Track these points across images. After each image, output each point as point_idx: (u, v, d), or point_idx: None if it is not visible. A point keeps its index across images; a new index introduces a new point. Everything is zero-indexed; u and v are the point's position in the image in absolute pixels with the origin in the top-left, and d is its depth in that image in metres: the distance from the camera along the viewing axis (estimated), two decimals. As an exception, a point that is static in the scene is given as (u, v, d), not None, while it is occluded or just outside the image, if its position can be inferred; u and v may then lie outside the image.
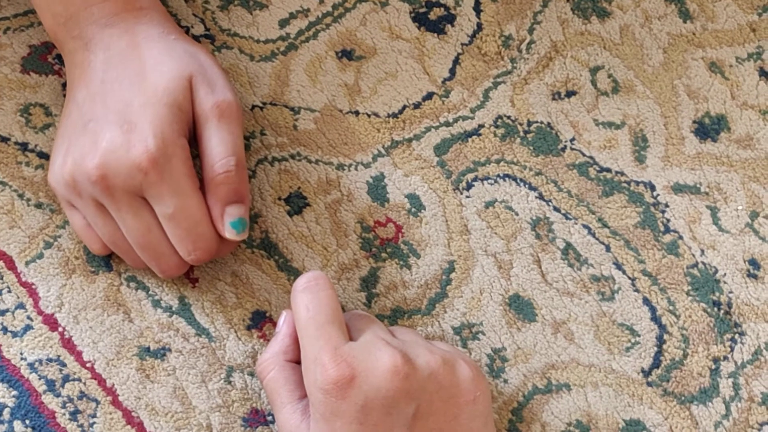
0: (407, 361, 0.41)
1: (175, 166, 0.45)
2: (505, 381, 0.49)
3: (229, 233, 0.46)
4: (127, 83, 0.46)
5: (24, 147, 0.51)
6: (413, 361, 0.41)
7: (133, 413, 0.48)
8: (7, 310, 0.49)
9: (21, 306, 0.49)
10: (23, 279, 0.49)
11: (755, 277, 0.51)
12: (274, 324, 0.49)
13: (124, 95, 0.46)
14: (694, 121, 0.53)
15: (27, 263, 0.49)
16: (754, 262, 0.51)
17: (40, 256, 0.50)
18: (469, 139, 0.53)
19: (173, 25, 0.50)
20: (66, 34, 0.48)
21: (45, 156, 0.51)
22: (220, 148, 0.46)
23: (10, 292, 0.49)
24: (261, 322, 0.49)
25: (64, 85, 0.52)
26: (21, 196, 0.50)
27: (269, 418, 0.48)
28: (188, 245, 0.46)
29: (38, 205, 0.50)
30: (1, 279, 0.49)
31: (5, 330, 0.49)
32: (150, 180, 0.44)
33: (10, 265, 0.50)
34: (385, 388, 0.40)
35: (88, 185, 0.45)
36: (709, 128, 0.53)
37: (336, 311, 0.42)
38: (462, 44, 0.54)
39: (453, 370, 0.43)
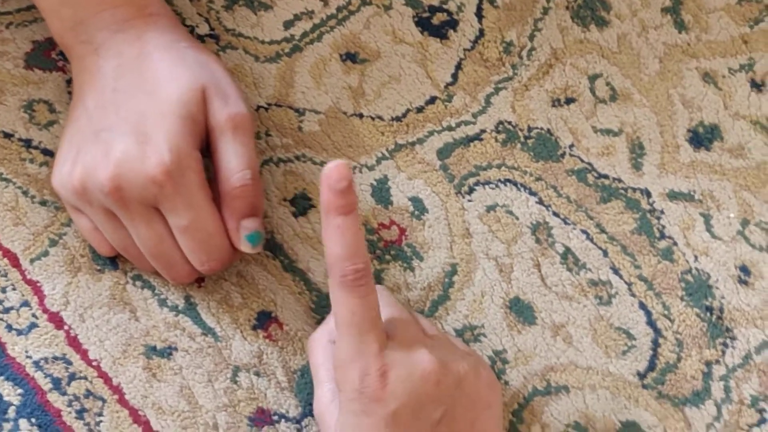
0: (442, 368, 0.42)
1: (190, 179, 0.45)
2: (506, 383, 0.50)
3: (245, 247, 0.47)
4: (140, 93, 0.46)
5: (28, 143, 0.51)
6: (446, 367, 0.42)
7: (139, 412, 0.48)
8: (12, 308, 0.49)
9: (26, 304, 0.49)
10: (28, 276, 0.49)
11: (746, 283, 0.52)
12: (280, 324, 0.50)
13: (138, 106, 0.45)
14: (689, 130, 0.55)
15: (32, 261, 0.49)
16: (744, 269, 0.53)
17: (45, 253, 0.49)
18: (471, 144, 0.54)
19: (183, 32, 0.50)
20: (74, 39, 0.48)
21: (49, 153, 0.51)
22: (235, 161, 0.46)
23: (14, 289, 0.49)
24: (266, 322, 0.50)
25: (68, 82, 0.52)
26: (25, 193, 0.50)
27: (275, 417, 0.49)
28: (202, 256, 0.46)
29: (43, 202, 0.50)
30: (6, 277, 0.49)
31: (10, 328, 0.48)
32: (165, 192, 0.44)
33: (15, 262, 0.49)
34: (418, 394, 0.41)
35: (100, 195, 0.45)
36: (702, 137, 0.55)
37: (378, 315, 0.42)
38: (464, 49, 0.55)
39: (477, 376, 0.44)
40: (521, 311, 0.51)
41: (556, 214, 0.53)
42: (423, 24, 0.55)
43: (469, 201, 0.53)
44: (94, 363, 0.48)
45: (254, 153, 0.47)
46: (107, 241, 0.48)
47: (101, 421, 0.47)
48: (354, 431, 0.41)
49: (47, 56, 0.52)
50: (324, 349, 0.46)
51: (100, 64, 0.47)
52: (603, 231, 0.53)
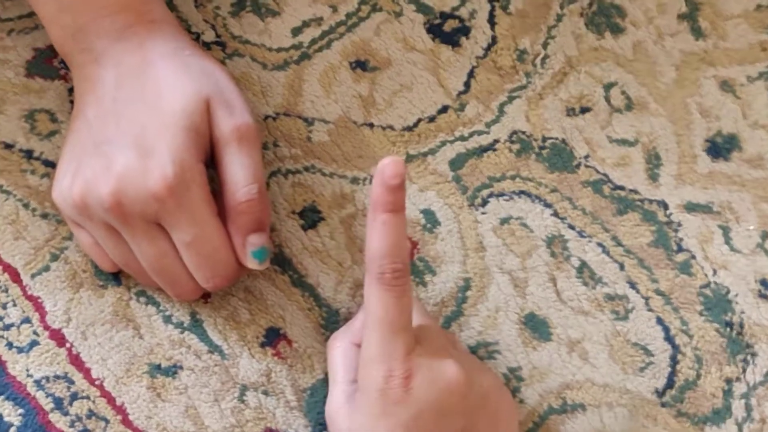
0: (467, 381, 0.41)
1: (194, 193, 0.43)
2: (521, 401, 0.49)
3: (251, 263, 0.46)
4: (141, 104, 0.44)
5: (29, 154, 0.49)
6: (472, 381, 0.42)
7: (144, 433, 0.47)
8: (12, 325, 0.47)
9: (27, 320, 0.47)
10: (29, 292, 0.48)
11: (766, 297, 0.51)
12: (289, 342, 0.48)
13: (139, 117, 0.44)
14: (707, 140, 0.53)
15: (33, 276, 0.48)
16: (765, 283, 0.51)
17: (47, 268, 0.48)
18: (485, 155, 0.52)
19: (187, 39, 0.48)
20: (74, 47, 0.46)
21: (51, 164, 0.49)
22: (241, 174, 0.44)
23: (15, 305, 0.48)
24: (275, 339, 0.48)
25: (70, 91, 0.51)
26: (26, 205, 0.49)
27: (284, 438, 0.47)
28: (207, 272, 0.45)
29: (44, 215, 0.49)
30: (6, 292, 0.48)
31: (11, 345, 0.47)
32: (167, 208, 0.43)
33: (15, 277, 0.48)
34: (441, 403, 0.40)
35: (100, 210, 0.43)
36: (721, 147, 0.53)
37: (410, 319, 0.42)
38: (477, 57, 0.54)
39: (500, 395, 0.43)
40: (536, 327, 0.50)
41: (571, 227, 0.51)
42: (434, 31, 0.54)
43: (483, 213, 0.51)
44: (97, 382, 0.47)
45: (261, 165, 0.46)
46: (109, 257, 0.47)
47: (105, 443, 0.46)
48: None
49: (49, 64, 0.51)
50: (344, 350, 0.45)
51: (101, 73, 0.46)
52: (619, 244, 0.51)
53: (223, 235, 0.45)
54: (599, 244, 0.51)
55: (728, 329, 0.50)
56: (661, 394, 0.49)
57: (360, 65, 0.53)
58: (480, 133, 0.53)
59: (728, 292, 0.51)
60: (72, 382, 0.47)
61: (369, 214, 0.40)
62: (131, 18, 0.46)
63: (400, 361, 0.40)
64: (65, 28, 0.46)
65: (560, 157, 0.53)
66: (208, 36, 0.52)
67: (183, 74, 0.45)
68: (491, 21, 0.54)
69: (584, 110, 0.54)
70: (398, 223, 0.40)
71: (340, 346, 0.46)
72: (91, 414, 0.46)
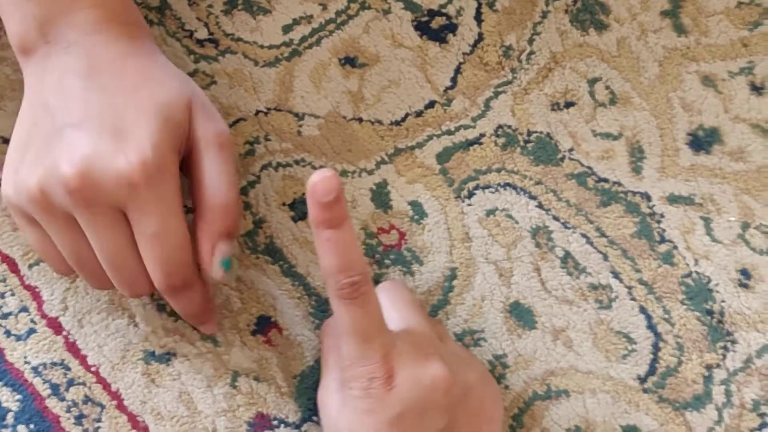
0: (451, 377, 0.41)
1: (168, 183, 0.41)
2: (507, 387, 0.50)
3: (217, 272, 0.44)
4: (117, 91, 0.42)
5: (27, 149, 0.51)
6: (455, 377, 0.42)
7: (138, 417, 0.48)
8: (10, 314, 0.49)
9: (24, 309, 0.49)
10: (26, 282, 0.49)
11: (746, 286, 0.52)
12: (279, 329, 0.50)
13: (113, 101, 0.42)
14: (689, 134, 0.55)
15: (30, 266, 0.49)
16: (745, 272, 0.53)
17: (44, 259, 0.49)
18: (471, 148, 0.54)
19: (157, 47, 0.47)
20: (39, 39, 0.43)
21: (48, 158, 0.51)
22: (222, 178, 0.44)
23: (13, 295, 0.49)
24: (266, 327, 0.50)
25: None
26: (24, 198, 0.50)
27: (275, 422, 0.48)
28: (166, 268, 0.42)
29: (41, 208, 0.50)
30: (5, 282, 0.49)
31: (9, 333, 0.48)
32: (138, 194, 0.40)
33: (14, 268, 0.49)
34: (424, 400, 0.41)
35: (61, 195, 0.40)
36: (702, 140, 0.55)
37: (381, 320, 0.41)
38: (463, 53, 0.55)
39: (484, 389, 0.44)
40: (521, 315, 0.51)
41: (555, 218, 0.53)
42: (422, 28, 0.55)
43: (469, 205, 0.53)
44: (93, 368, 0.48)
45: (237, 176, 0.45)
46: (61, 257, 0.44)
47: (100, 427, 0.47)
48: (356, 427, 0.41)
49: (46, 61, 0.52)
50: (336, 336, 0.45)
51: (70, 62, 0.43)
52: (603, 235, 0.53)
53: (188, 235, 0.43)
54: (583, 235, 0.53)
55: (709, 317, 0.52)
56: (643, 380, 0.51)
57: (349, 62, 0.54)
58: (466, 127, 0.54)
59: (709, 281, 0.52)
60: (68, 369, 0.48)
61: (313, 233, 0.39)
62: (107, 14, 0.44)
63: (380, 364, 0.40)
64: (30, 19, 0.43)
65: (545, 151, 0.54)
66: (201, 33, 0.54)
67: (166, 71, 0.45)
68: (478, 18, 0.56)
69: (569, 105, 0.55)
70: (343, 237, 0.39)
71: (332, 332, 0.47)
72: (87, 399, 0.48)
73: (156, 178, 0.41)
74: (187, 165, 0.45)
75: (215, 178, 0.44)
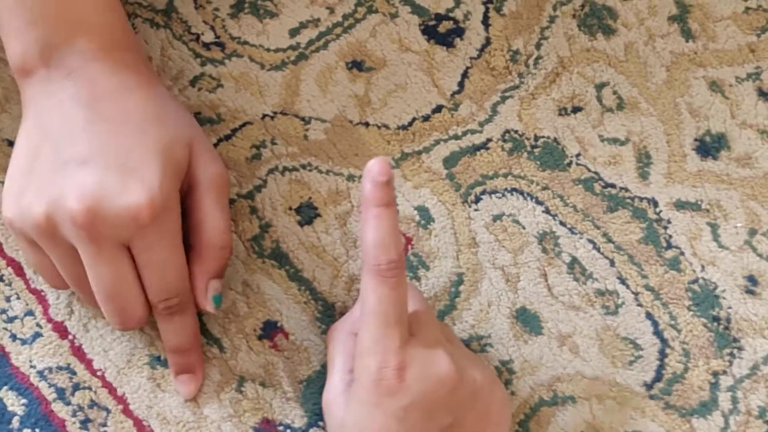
0: (459, 375, 0.42)
1: (172, 220, 0.44)
2: (513, 393, 0.50)
3: (210, 306, 0.47)
4: (123, 126, 0.43)
5: (33, 152, 0.51)
6: (463, 376, 0.42)
7: (144, 422, 0.48)
8: (16, 317, 0.49)
9: (30, 313, 0.49)
10: (32, 286, 0.49)
11: (753, 293, 0.52)
12: (285, 334, 0.50)
13: (121, 139, 0.43)
14: (696, 139, 0.55)
15: (35, 270, 0.49)
16: (752, 279, 0.52)
17: (50, 262, 0.49)
18: (478, 153, 0.54)
19: (156, 76, 0.49)
20: (40, 63, 0.44)
21: (54, 161, 0.51)
22: (221, 220, 0.46)
23: (19, 299, 0.49)
24: (272, 332, 0.50)
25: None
26: (30, 201, 0.50)
27: (280, 427, 0.48)
28: (166, 294, 0.45)
29: (47, 211, 0.50)
30: (10, 286, 0.49)
31: (14, 337, 0.48)
32: (144, 230, 0.42)
33: (19, 271, 0.49)
34: (432, 396, 0.41)
35: (68, 228, 0.42)
36: (710, 146, 0.54)
37: (405, 311, 0.42)
38: (470, 58, 0.55)
39: (491, 391, 0.44)
40: (528, 321, 0.51)
41: (562, 224, 0.53)
42: (429, 32, 0.55)
43: (476, 210, 0.53)
44: (99, 373, 0.48)
45: (229, 216, 0.48)
46: (60, 275, 0.46)
47: (106, 431, 0.47)
48: (363, 422, 0.41)
49: (52, 64, 0.52)
50: (343, 340, 0.46)
51: (72, 90, 0.44)
52: (610, 240, 0.53)
53: (185, 266, 0.46)
54: (590, 241, 0.52)
55: (715, 324, 0.52)
56: (649, 387, 0.51)
57: (356, 65, 0.54)
58: (473, 132, 0.54)
59: (716, 287, 0.52)
60: (74, 373, 0.48)
61: (362, 210, 0.41)
62: (107, 42, 0.45)
63: (395, 353, 0.41)
64: (32, 43, 0.44)
65: (552, 156, 0.54)
66: (208, 37, 0.54)
67: (169, 110, 0.46)
68: (485, 22, 0.56)
69: (576, 110, 0.55)
70: (390, 216, 0.41)
71: (339, 336, 0.47)
72: (92, 404, 0.48)
73: (162, 215, 0.43)
74: (184, 203, 0.46)
75: (216, 218, 0.46)
